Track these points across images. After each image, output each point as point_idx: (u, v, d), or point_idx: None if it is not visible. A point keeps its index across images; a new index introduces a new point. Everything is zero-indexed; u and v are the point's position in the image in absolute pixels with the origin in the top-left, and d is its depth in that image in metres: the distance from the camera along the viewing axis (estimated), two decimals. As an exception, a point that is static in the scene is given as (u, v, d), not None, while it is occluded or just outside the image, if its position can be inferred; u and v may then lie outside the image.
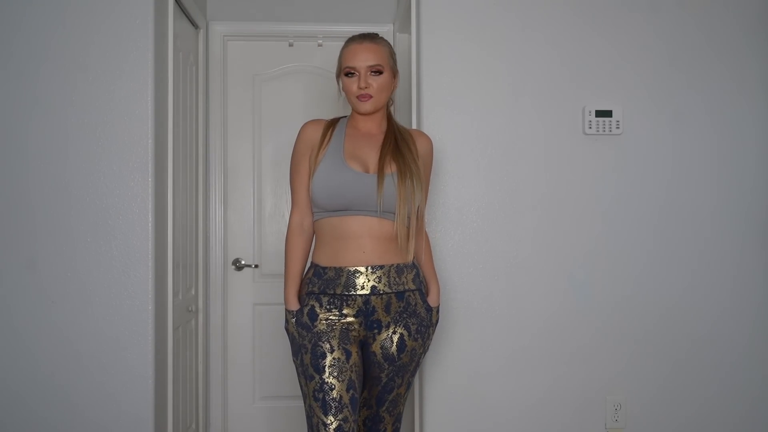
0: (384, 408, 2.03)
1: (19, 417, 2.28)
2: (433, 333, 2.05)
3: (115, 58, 2.29)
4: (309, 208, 2.04)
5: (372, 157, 1.97)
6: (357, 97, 1.97)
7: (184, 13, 2.76)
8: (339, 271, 1.93)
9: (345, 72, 1.99)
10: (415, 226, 1.97)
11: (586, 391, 2.47)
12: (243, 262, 3.23)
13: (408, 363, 1.99)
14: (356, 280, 1.92)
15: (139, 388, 2.28)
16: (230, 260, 3.23)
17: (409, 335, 1.96)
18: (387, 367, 1.97)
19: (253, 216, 3.26)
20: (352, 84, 1.98)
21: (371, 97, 1.97)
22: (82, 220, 2.29)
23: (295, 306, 1.99)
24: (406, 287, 1.97)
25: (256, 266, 3.24)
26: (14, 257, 2.28)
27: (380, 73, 1.98)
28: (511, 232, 2.46)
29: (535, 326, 2.46)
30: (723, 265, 2.51)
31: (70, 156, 2.29)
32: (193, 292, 2.92)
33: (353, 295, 1.92)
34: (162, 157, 2.39)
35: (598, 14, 2.50)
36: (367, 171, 1.95)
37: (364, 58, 1.96)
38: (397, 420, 2.07)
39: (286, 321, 2.01)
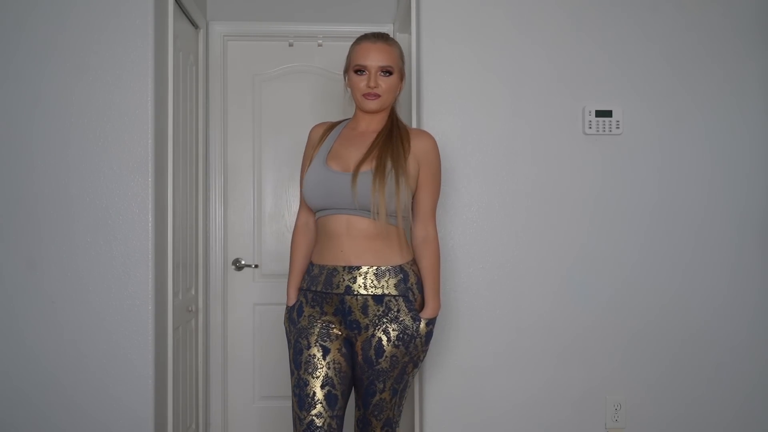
0: (369, 411, 2.00)
1: (20, 416, 2.28)
2: (422, 346, 1.96)
3: (115, 58, 2.29)
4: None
5: (355, 155, 1.96)
6: (364, 95, 1.98)
7: (184, 13, 2.76)
8: (322, 268, 1.98)
9: (355, 69, 1.99)
10: (403, 224, 1.94)
11: (586, 391, 2.47)
12: (243, 262, 3.23)
13: (388, 369, 1.93)
14: (333, 279, 1.95)
15: (139, 387, 2.28)
16: (230, 260, 3.23)
17: (388, 341, 1.91)
18: (366, 369, 1.95)
19: (253, 216, 3.26)
20: (361, 81, 1.98)
21: (379, 96, 1.98)
22: (82, 220, 2.29)
23: (291, 301, 2.07)
24: (386, 292, 1.92)
25: (256, 266, 3.24)
26: (14, 257, 2.28)
27: (390, 74, 1.99)
28: (511, 232, 2.46)
29: (535, 326, 2.46)
30: (722, 264, 2.51)
31: (70, 156, 2.29)
32: (193, 292, 2.92)
33: (330, 293, 1.95)
34: (162, 157, 2.39)
35: (599, 14, 2.50)
36: (347, 170, 1.95)
37: (376, 58, 1.97)
38: (387, 425, 2.01)
39: (283, 318, 2.10)
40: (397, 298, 1.93)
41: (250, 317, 3.24)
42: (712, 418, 2.51)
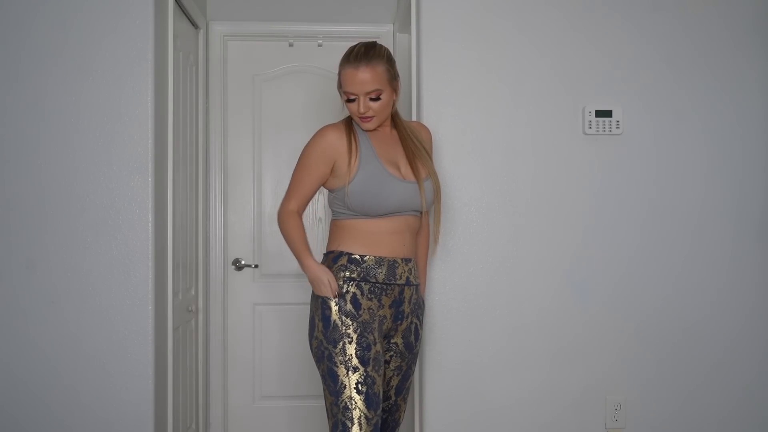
0: (401, 396, 2.09)
1: (21, 415, 2.28)
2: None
3: (115, 59, 2.29)
4: (303, 207, 2.04)
5: (401, 160, 2.03)
6: (359, 117, 1.97)
7: (184, 13, 2.76)
8: (380, 260, 1.95)
9: (345, 96, 1.96)
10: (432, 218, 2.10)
11: (586, 391, 2.47)
12: (243, 262, 3.23)
13: (418, 349, 2.10)
14: (396, 270, 1.97)
15: (139, 387, 2.28)
16: (230, 260, 3.23)
17: (420, 324, 2.08)
18: (407, 355, 2.05)
19: (253, 216, 3.26)
20: (353, 106, 1.96)
21: (372, 117, 1.96)
22: (82, 220, 2.29)
23: (327, 273, 1.92)
24: (417, 281, 2.07)
25: (256, 266, 3.24)
26: (14, 257, 2.28)
27: (378, 98, 1.93)
28: (511, 232, 2.46)
29: (534, 325, 2.46)
30: (721, 263, 2.51)
31: (70, 156, 2.29)
32: (193, 292, 2.92)
33: (393, 284, 1.97)
34: (162, 157, 2.39)
35: (599, 14, 2.50)
36: (401, 175, 1.99)
37: (360, 87, 1.91)
38: (405, 408, 2.14)
39: (326, 307, 1.92)
40: (418, 285, 2.09)
41: (250, 317, 3.24)
42: (711, 417, 2.51)
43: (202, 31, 3.08)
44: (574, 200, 2.48)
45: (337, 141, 1.98)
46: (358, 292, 1.94)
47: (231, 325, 3.22)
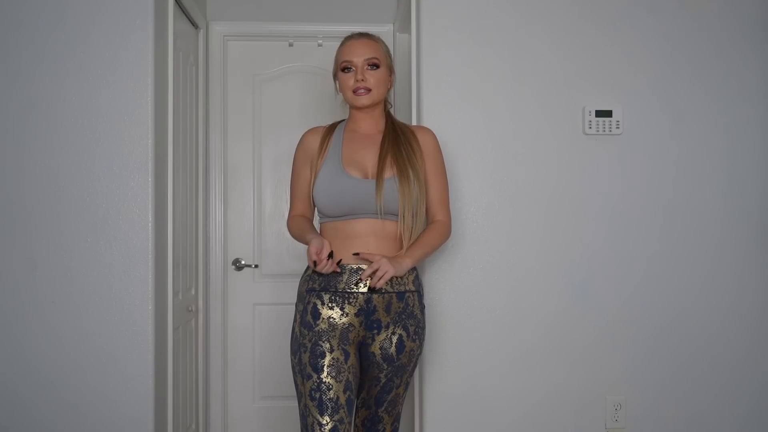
0: (383, 408, 2.03)
1: (20, 416, 2.28)
2: (425, 331, 2.06)
3: (115, 59, 2.29)
4: (307, 211, 2.07)
5: (370, 160, 1.98)
6: (353, 91, 1.98)
7: (184, 13, 2.76)
8: (342, 267, 1.93)
9: (342, 67, 2.00)
10: (420, 225, 1.97)
11: (586, 392, 2.47)
12: (243, 262, 3.23)
13: (407, 364, 1.99)
14: (359, 278, 1.92)
15: (139, 388, 2.28)
16: (230, 260, 3.23)
17: (408, 336, 1.97)
18: (386, 367, 1.97)
19: (253, 216, 3.26)
20: (349, 79, 1.99)
21: (369, 90, 1.98)
22: (81, 220, 2.29)
23: (315, 243, 1.86)
24: (407, 288, 1.98)
25: (256, 266, 3.24)
26: (14, 257, 2.28)
27: (377, 66, 1.99)
28: (511, 232, 2.46)
29: (535, 327, 2.46)
30: (723, 266, 2.51)
31: (70, 156, 2.29)
32: (193, 292, 2.92)
33: (355, 292, 1.92)
34: (162, 157, 2.39)
35: (599, 14, 2.50)
36: (366, 176, 1.96)
37: (360, 52, 1.98)
38: (396, 420, 2.07)
39: (294, 319, 2.01)
40: (413, 293, 2.00)
41: (250, 317, 3.24)
42: (712, 418, 2.51)
43: (202, 31, 3.08)
44: (574, 200, 2.47)
45: (312, 142, 2.04)
46: (318, 303, 1.94)
47: (231, 325, 3.22)
